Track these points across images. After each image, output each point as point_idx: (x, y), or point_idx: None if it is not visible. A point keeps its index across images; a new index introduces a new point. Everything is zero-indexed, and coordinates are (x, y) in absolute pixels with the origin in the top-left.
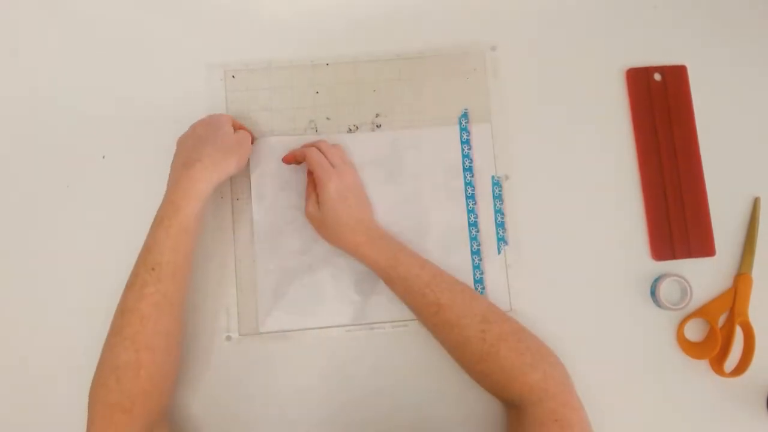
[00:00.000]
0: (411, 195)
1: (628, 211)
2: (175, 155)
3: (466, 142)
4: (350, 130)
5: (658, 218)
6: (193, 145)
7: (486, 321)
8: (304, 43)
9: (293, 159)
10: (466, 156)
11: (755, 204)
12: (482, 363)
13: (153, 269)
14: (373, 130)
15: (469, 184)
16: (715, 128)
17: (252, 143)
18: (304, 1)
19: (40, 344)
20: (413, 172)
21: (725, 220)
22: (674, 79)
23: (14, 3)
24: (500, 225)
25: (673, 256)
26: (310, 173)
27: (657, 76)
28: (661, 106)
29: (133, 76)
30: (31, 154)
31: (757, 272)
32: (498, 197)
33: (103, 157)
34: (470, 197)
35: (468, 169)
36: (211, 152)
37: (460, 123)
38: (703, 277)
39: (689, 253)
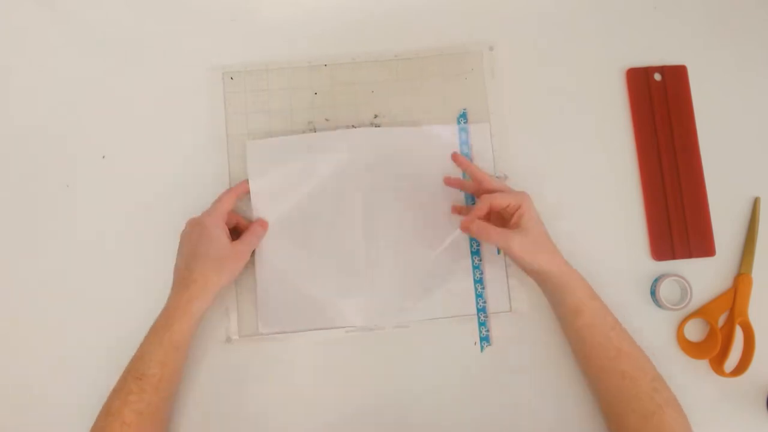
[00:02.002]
0: (410, 195)
1: (628, 211)
2: (177, 256)
3: (464, 142)
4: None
5: (658, 218)
6: (190, 256)
7: (658, 380)
8: (302, 45)
9: (458, 184)
10: (464, 156)
11: (755, 204)
12: (643, 422)
13: (139, 379)
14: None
15: None
16: (715, 128)
17: (257, 234)
18: (301, 2)
19: (38, 344)
20: (412, 172)
21: (725, 220)
22: (674, 79)
23: (15, 3)
24: None
25: (673, 256)
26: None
27: (657, 76)
28: (661, 106)
29: (133, 77)
30: (31, 154)
31: (757, 272)
32: None
33: (103, 157)
34: (470, 197)
35: None
36: (204, 270)
37: (459, 123)
38: (703, 277)
39: (689, 253)
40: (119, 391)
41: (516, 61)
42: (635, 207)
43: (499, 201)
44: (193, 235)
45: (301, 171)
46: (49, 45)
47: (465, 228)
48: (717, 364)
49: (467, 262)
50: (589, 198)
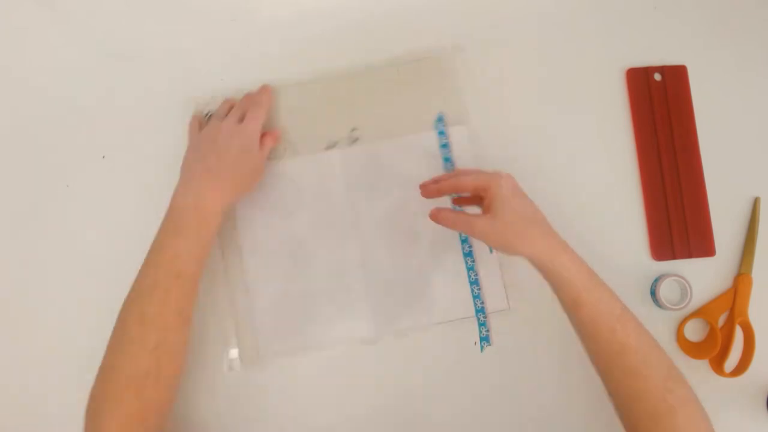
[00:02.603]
0: (398, 205)
1: (628, 211)
2: (203, 150)
3: (445, 146)
4: (328, 147)
5: (658, 218)
6: (229, 161)
7: (671, 378)
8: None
9: (437, 192)
10: (447, 159)
11: (755, 204)
12: (652, 423)
13: (178, 277)
14: (350, 145)
15: None
16: (715, 128)
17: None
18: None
19: (38, 344)
20: (397, 182)
21: (725, 220)
22: (674, 79)
23: (15, 3)
24: None
25: (673, 256)
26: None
27: (657, 76)
28: (661, 106)
29: (133, 77)
30: (31, 154)
31: (757, 272)
32: None
33: (103, 157)
34: None
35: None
36: (245, 176)
37: (437, 127)
38: (703, 277)
39: (689, 253)
40: (152, 293)
41: (516, 61)
42: (635, 207)
43: (463, 180)
44: (235, 140)
45: (286, 195)
46: (49, 45)
47: (433, 216)
48: (717, 364)
49: (461, 266)
50: (589, 198)
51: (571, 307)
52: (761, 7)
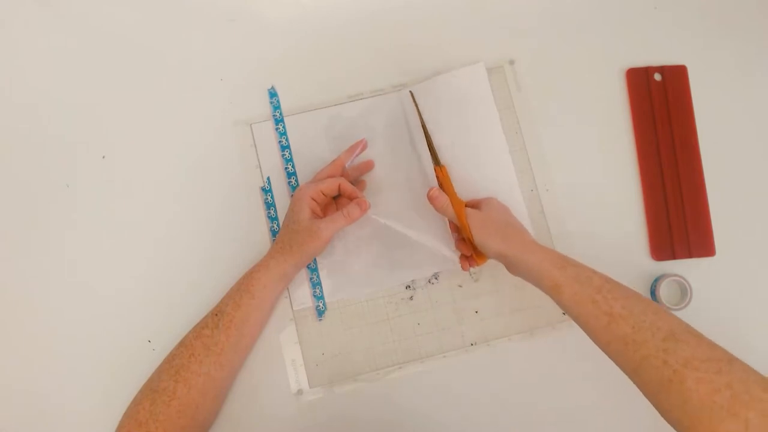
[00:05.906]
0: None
1: (628, 211)
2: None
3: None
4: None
5: (658, 218)
6: (283, 221)
7: (672, 339)
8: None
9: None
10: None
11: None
12: (661, 392)
13: (216, 315)
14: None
15: None
16: (715, 128)
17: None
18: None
19: (39, 344)
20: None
21: (725, 220)
22: (674, 79)
23: (15, 3)
24: None
25: (673, 256)
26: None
27: (657, 76)
28: (661, 106)
29: (133, 76)
30: (31, 154)
31: (750, 265)
32: None
33: (103, 157)
34: None
35: None
36: (284, 238)
37: None
38: (703, 277)
39: (689, 253)
40: (198, 325)
41: (516, 60)
42: (635, 207)
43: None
44: (290, 202)
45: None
46: (49, 45)
47: (431, 197)
48: None
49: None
50: (589, 198)
51: (554, 292)
52: (761, 7)
